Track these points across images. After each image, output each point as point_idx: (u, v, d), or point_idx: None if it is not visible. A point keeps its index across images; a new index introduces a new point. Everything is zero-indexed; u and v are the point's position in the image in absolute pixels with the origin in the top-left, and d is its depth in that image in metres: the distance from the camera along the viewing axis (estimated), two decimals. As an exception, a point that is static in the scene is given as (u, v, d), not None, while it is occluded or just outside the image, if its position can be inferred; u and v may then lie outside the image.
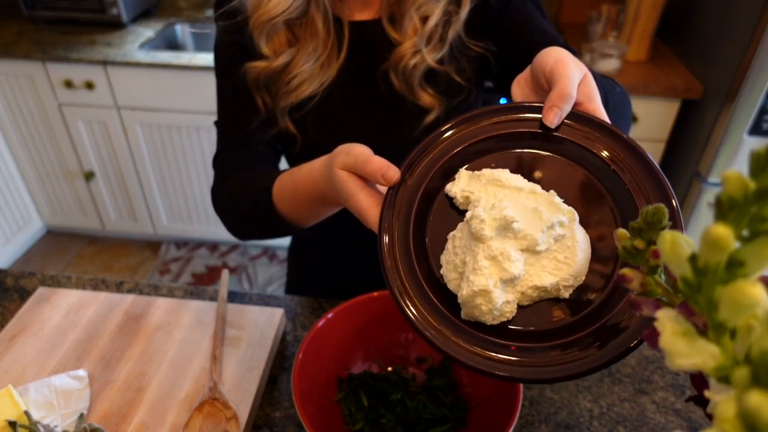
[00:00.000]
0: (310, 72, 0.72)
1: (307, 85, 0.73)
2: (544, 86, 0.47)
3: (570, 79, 0.44)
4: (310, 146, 0.77)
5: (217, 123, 0.82)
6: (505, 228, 0.42)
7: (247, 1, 0.73)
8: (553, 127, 0.45)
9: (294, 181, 0.64)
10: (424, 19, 0.70)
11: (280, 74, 0.73)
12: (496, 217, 0.42)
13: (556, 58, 0.45)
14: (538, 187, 0.45)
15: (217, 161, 0.81)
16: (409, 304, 0.44)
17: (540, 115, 0.46)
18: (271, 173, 0.69)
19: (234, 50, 0.76)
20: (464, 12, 0.71)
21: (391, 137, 0.76)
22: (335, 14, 0.74)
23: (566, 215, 0.43)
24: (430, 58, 0.70)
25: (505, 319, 0.43)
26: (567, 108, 0.44)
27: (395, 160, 0.70)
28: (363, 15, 0.75)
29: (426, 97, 0.72)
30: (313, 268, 0.97)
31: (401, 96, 0.73)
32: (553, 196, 0.44)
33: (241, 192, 0.73)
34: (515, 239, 0.43)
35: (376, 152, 0.66)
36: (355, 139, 0.76)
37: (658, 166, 0.44)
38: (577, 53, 0.56)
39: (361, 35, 0.74)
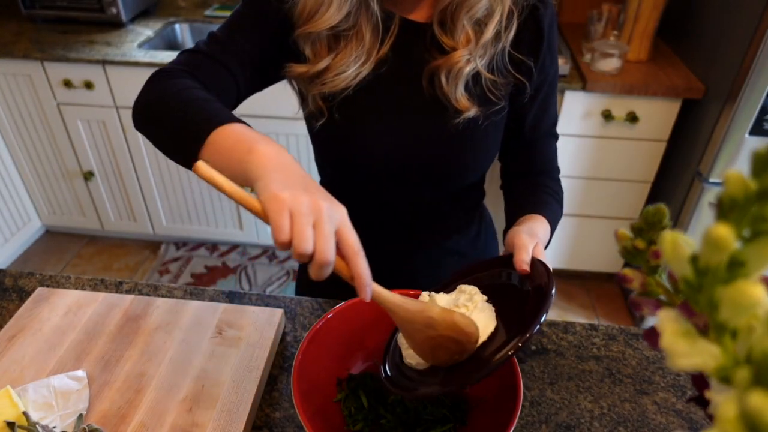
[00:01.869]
0: (347, 71, 0.74)
1: (341, 80, 0.74)
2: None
3: (527, 253, 0.66)
4: (333, 126, 0.78)
5: (211, 32, 0.78)
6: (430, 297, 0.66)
7: (295, 9, 0.72)
8: (528, 272, 0.65)
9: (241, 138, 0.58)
10: (477, 28, 0.72)
11: (319, 73, 0.75)
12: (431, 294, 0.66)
13: (517, 245, 0.67)
14: (476, 290, 0.65)
15: (187, 53, 0.76)
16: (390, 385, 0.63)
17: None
18: (229, 112, 0.63)
19: (264, 12, 0.75)
20: (513, 27, 0.73)
21: (420, 132, 0.77)
22: (388, 9, 0.75)
23: (470, 302, 0.63)
24: (480, 64, 0.73)
25: (422, 365, 0.61)
26: (527, 262, 0.66)
27: (419, 154, 0.79)
28: (414, 16, 0.76)
29: (464, 102, 0.74)
30: None
31: (438, 96, 0.75)
32: (476, 292, 0.64)
33: (185, 99, 0.66)
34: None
35: (399, 144, 0.78)
36: (378, 128, 0.78)
37: (551, 297, 0.59)
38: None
39: (409, 34, 0.75)
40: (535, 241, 0.69)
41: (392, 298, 0.56)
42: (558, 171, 0.90)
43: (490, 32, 0.72)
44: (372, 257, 0.93)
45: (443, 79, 0.73)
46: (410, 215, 0.86)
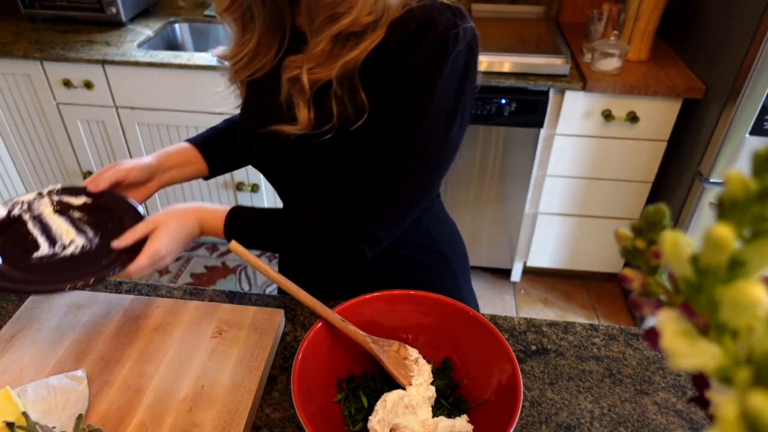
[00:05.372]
0: (243, 62, 0.78)
1: (242, 73, 0.79)
2: None
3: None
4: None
5: None
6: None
7: None
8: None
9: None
10: (333, 39, 0.68)
11: (228, 58, 0.81)
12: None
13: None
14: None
15: None
16: None
17: None
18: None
19: None
20: (362, 48, 0.67)
21: (276, 141, 0.75)
22: (297, 23, 0.76)
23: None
24: (307, 78, 0.68)
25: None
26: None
27: (280, 164, 0.79)
28: (303, 26, 0.75)
29: (303, 114, 0.70)
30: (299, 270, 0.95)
31: (290, 105, 0.72)
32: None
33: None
34: None
35: (263, 152, 0.80)
36: (246, 134, 0.81)
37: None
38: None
39: (297, 42, 0.75)
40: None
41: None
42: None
43: (321, 45, 0.67)
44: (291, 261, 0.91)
45: (283, 84, 0.71)
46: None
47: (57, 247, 0.77)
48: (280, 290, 0.93)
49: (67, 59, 1.90)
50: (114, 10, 2.05)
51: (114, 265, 0.73)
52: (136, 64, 1.88)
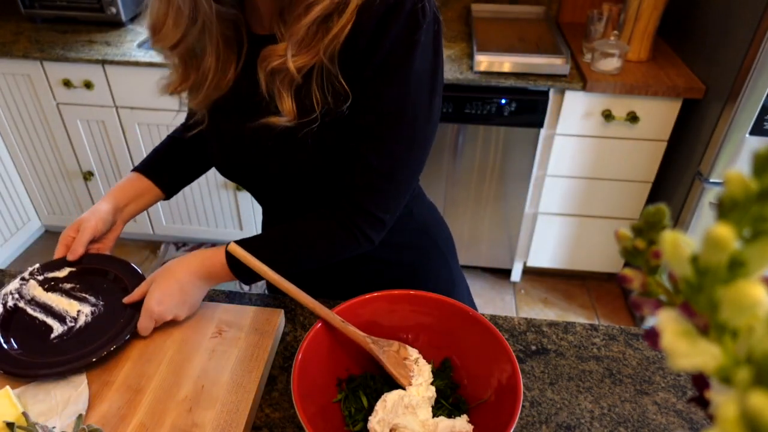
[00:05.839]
0: (213, 84, 0.77)
1: (215, 94, 0.78)
2: None
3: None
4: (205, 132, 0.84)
5: None
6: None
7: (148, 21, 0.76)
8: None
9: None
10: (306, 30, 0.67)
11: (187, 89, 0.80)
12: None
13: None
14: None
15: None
16: None
17: None
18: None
19: None
20: (339, 26, 0.66)
21: (254, 144, 0.75)
22: (247, 24, 0.75)
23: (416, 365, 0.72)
24: (293, 65, 0.67)
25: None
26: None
27: (261, 159, 0.78)
28: (263, 30, 0.74)
29: (287, 104, 0.70)
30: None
31: (268, 103, 0.72)
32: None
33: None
34: None
35: (239, 152, 0.80)
36: (219, 142, 0.81)
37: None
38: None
39: (257, 48, 0.73)
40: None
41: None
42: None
43: (302, 31, 0.66)
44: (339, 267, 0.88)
45: (261, 78, 0.70)
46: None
47: (68, 322, 0.77)
48: (275, 289, 0.94)
49: (67, 59, 1.90)
50: (114, 10, 2.05)
51: (132, 322, 0.76)
52: (136, 64, 1.88)
